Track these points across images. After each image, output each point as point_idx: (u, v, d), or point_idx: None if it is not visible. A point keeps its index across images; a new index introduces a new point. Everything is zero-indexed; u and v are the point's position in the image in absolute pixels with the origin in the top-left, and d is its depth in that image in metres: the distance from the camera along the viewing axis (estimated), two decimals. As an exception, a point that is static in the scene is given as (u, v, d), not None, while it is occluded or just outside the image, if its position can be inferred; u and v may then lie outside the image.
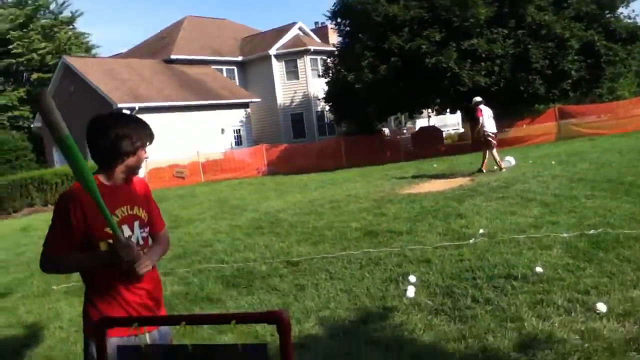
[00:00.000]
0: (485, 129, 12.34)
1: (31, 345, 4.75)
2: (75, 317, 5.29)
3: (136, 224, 2.23)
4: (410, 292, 4.67)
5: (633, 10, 47.23)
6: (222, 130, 27.76)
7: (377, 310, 4.44)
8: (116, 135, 2.13)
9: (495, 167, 12.42)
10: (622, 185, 8.13)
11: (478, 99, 12.89)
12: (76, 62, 26.06)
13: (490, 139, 12.33)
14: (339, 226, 8.05)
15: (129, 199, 2.23)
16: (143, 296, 2.23)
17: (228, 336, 4.05)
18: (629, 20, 20.82)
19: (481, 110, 12.41)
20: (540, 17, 19.41)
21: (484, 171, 12.33)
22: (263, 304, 4.99)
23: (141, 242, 2.26)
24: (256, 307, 4.94)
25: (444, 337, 3.73)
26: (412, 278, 5.02)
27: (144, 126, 2.25)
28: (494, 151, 12.40)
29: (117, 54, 35.25)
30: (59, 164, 26.05)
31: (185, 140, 24.83)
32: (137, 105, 23.77)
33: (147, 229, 2.30)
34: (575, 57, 19.54)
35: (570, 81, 20.21)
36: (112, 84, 24.95)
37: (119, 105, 23.18)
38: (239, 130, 28.87)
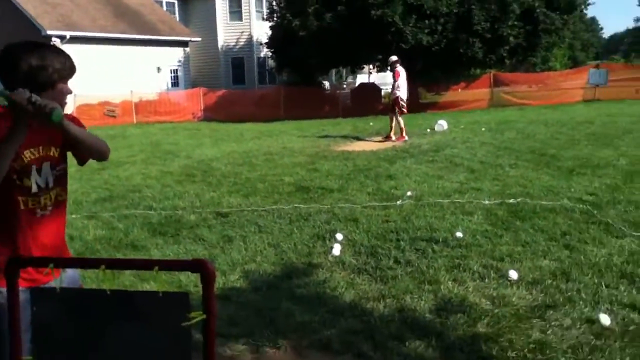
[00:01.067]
0: (399, 94, 11.78)
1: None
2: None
3: (45, 165, 2.06)
4: (336, 250, 4.77)
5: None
6: (159, 69, 26.70)
7: (302, 266, 4.52)
8: (29, 66, 1.91)
9: (394, 138, 11.67)
10: (544, 157, 8.56)
11: (394, 58, 12.20)
12: (1, -19, 24.02)
13: (402, 105, 11.85)
14: (271, 179, 8.05)
15: (42, 139, 2.05)
16: (44, 247, 2.11)
17: (150, 284, 4.02)
18: None
19: (399, 73, 11.84)
20: (487, -25, 19.58)
21: (394, 138, 11.73)
22: (189, 254, 4.96)
23: (51, 184, 2.08)
24: (181, 256, 4.91)
25: (364, 295, 3.86)
26: (339, 236, 5.12)
27: (64, 57, 2.02)
28: (400, 117, 11.81)
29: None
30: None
31: (118, 77, 23.69)
32: (68, 34, 22.35)
33: (60, 167, 2.13)
34: (515, 23, 19.96)
35: (507, 47, 20.71)
36: (42, 7, 23.24)
37: (49, 32, 21.73)
38: (177, 70, 27.86)
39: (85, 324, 1.61)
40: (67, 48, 21.68)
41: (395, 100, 11.86)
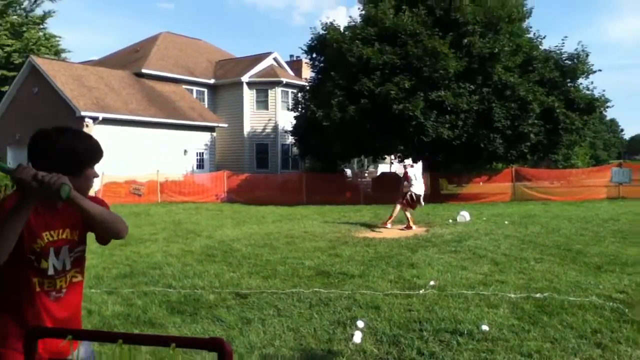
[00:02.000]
0: (412, 189, 12.26)
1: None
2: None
3: (64, 248, 2.08)
4: (357, 337, 4.63)
5: (592, 82, 49.96)
6: (185, 152, 27.50)
7: (321, 352, 4.38)
8: (60, 151, 1.99)
9: (403, 227, 12.07)
10: (569, 252, 8.39)
11: (407, 162, 13.40)
12: (44, 64, 25.53)
13: (412, 199, 12.21)
14: (292, 262, 7.99)
15: (64, 222, 2.08)
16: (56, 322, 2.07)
17: (166, 365, 3.91)
18: (587, 92, 21.84)
19: (408, 174, 12.45)
20: (507, 77, 20.19)
21: (389, 227, 12.14)
22: (206, 334, 4.85)
23: (68, 266, 2.10)
24: (199, 336, 4.80)
25: (386, 387, 3.70)
26: (360, 323, 4.99)
27: (92, 142, 2.11)
28: (409, 210, 12.25)
29: (87, 61, 34.69)
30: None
31: (146, 157, 24.43)
32: (101, 115, 23.37)
33: (79, 249, 2.14)
34: (536, 121, 20.31)
35: (529, 144, 20.95)
36: (79, 90, 24.50)
37: (83, 113, 22.75)
38: (203, 153, 28.64)
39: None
40: (100, 128, 22.72)
41: (401, 190, 12.53)
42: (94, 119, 23.17)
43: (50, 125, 2.11)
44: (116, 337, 1.63)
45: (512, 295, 5.88)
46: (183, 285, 6.65)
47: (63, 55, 38.53)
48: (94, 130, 23.24)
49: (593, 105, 21.48)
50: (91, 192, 2.23)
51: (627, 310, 5.26)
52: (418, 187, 12.31)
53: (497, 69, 20.26)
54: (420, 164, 13.21)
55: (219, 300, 5.94)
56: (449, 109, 19.81)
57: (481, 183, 22.25)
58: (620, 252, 8.41)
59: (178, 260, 8.34)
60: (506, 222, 12.53)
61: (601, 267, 7.34)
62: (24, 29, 35.07)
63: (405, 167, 12.92)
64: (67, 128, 2.10)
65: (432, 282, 6.51)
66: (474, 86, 20.43)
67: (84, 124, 22.93)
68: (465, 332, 4.74)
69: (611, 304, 5.51)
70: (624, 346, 4.34)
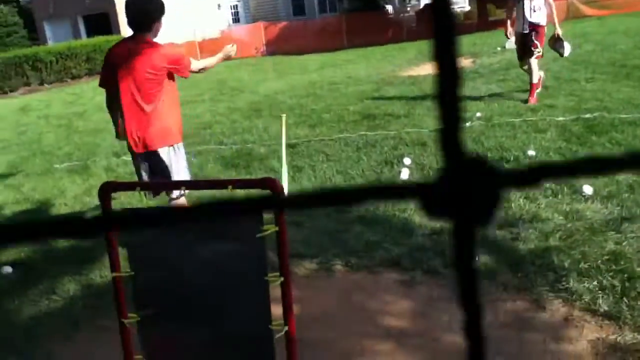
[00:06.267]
0: (529, 18, 7.10)
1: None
2: (80, 194, 5.47)
3: None
4: (404, 174, 4.79)
5: None
6: (219, 6, 26.69)
7: (371, 191, 4.58)
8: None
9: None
10: (624, 69, 8.03)
11: None
12: None
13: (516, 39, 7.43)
14: (337, 109, 8.06)
15: None
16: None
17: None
18: None
19: None
20: None
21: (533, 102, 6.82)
22: (261, 184, 5.13)
23: None
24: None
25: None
26: (407, 160, 5.13)
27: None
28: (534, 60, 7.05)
29: None
30: (52, 41, 25.38)
31: (180, 18, 23.91)
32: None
33: None
34: None
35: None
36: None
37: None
38: (237, 5, 27.75)
39: (172, 240, 1.77)
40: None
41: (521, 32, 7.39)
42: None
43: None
44: (179, 184, 1.82)
45: (561, 118, 5.81)
46: (234, 141, 6.90)
47: None
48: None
49: None
50: None
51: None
52: (537, 14, 7.19)
53: None
54: None
55: (270, 152, 6.17)
56: None
57: (532, 4, 20.75)
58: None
59: (226, 118, 8.56)
60: (558, 44, 11.90)
61: (658, 80, 7.04)
62: None
63: None
64: None
65: (478, 114, 6.47)
66: None
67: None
68: (512, 158, 4.81)
69: (664, 117, 5.38)
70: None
